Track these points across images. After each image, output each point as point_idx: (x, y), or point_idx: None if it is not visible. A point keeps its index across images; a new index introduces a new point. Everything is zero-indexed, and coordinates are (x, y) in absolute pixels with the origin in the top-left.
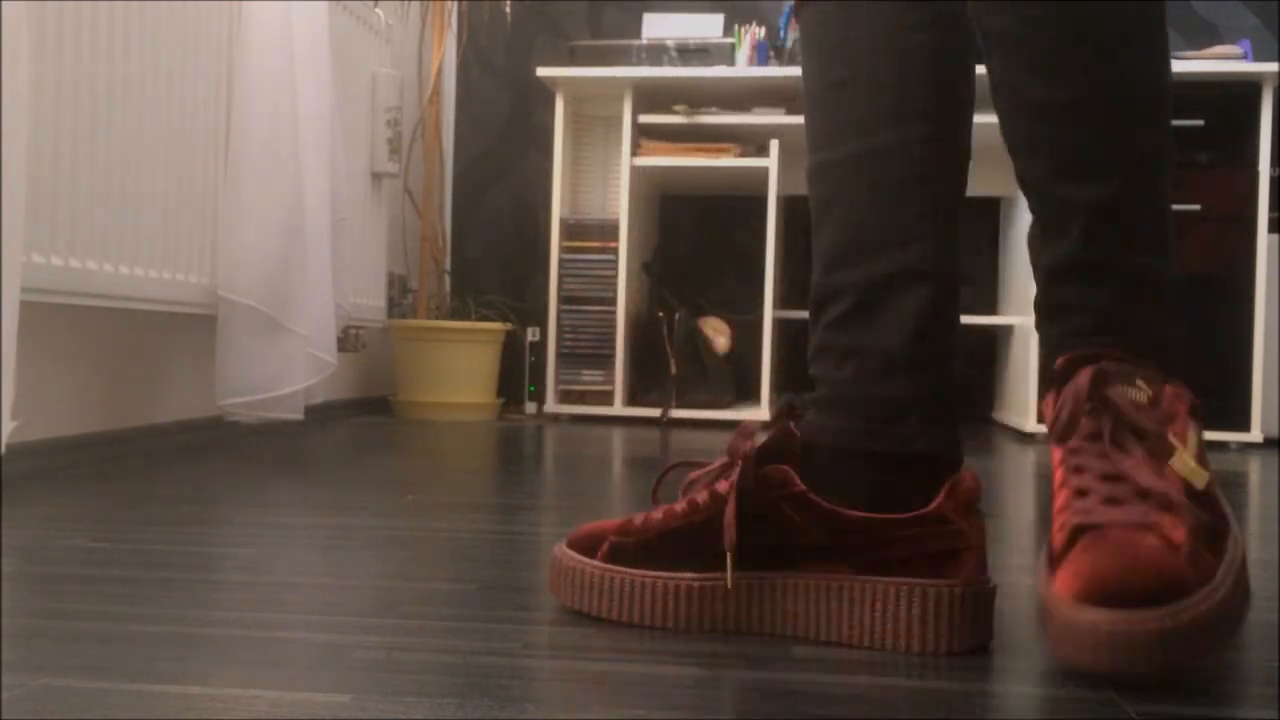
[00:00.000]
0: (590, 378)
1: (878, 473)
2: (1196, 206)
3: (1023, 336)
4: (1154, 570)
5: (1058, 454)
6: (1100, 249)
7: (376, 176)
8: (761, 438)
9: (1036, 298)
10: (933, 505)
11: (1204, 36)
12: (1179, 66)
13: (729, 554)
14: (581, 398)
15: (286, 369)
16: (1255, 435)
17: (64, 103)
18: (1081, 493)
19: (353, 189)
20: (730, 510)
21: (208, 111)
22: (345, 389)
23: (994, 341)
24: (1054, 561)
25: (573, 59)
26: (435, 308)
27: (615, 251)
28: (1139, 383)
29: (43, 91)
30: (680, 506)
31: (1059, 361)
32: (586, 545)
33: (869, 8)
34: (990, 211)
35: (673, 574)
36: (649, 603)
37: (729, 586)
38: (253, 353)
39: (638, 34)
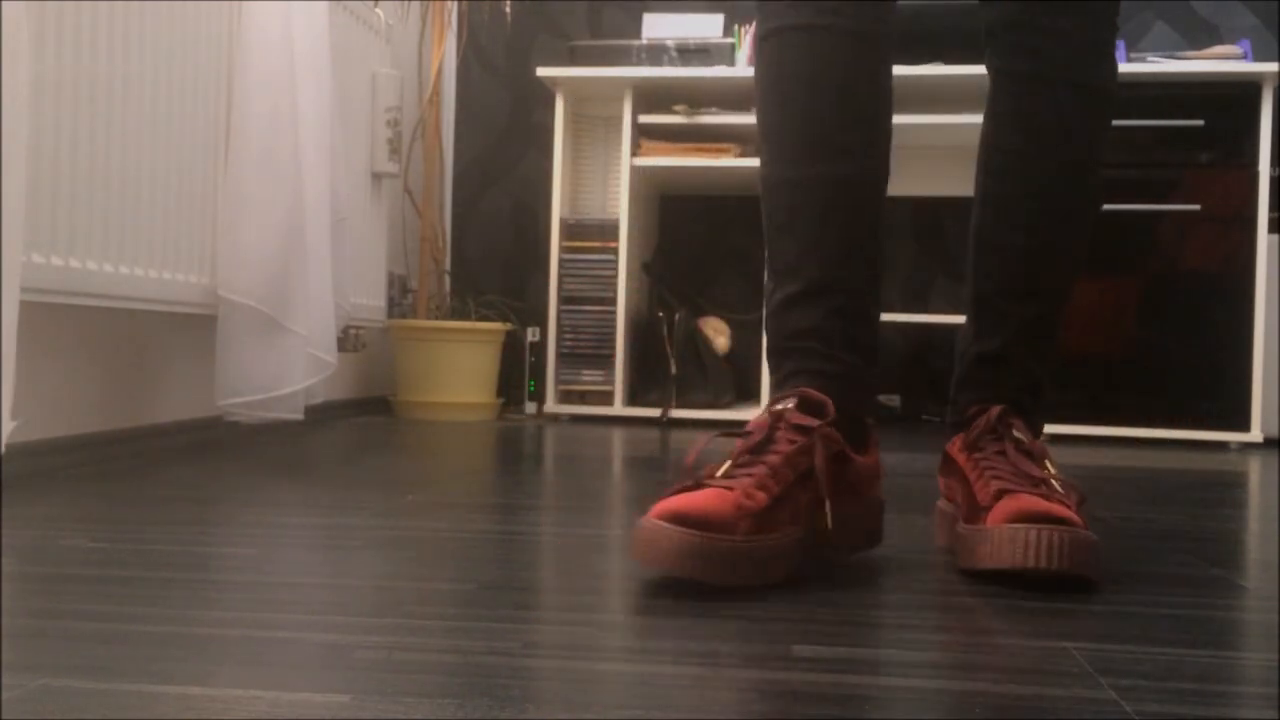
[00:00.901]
0: (590, 378)
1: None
2: (1196, 206)
3: None
4: (1056, 511)
5: (964, 458)
6: (1017, 349)
7: (376, 176)
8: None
9: (957, 374)
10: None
11: (1204, 36)
12: (1179, 67)
13: (829, 501)
14: (581, 398)
15: (286, 369)
16: (1255, 435)
17: (64, 103)
18: (998, 477)
19: (353, 189)
20: (821, 463)
21: (208, 111)
22: (345, 389)
23: None
24: (981, 510)
25: (573, 59)
26: (435, 308)
27: (615, 251)
28: (1020, 426)
29: (43, 91)
30: (768, 477)
31: (971, 410)
32: (707, 524)
33: (844, 50)
34: None
35: (787, 532)
36: (782, 563)
37: (829, 526)
38: (253, 353)
39: (638, 34)
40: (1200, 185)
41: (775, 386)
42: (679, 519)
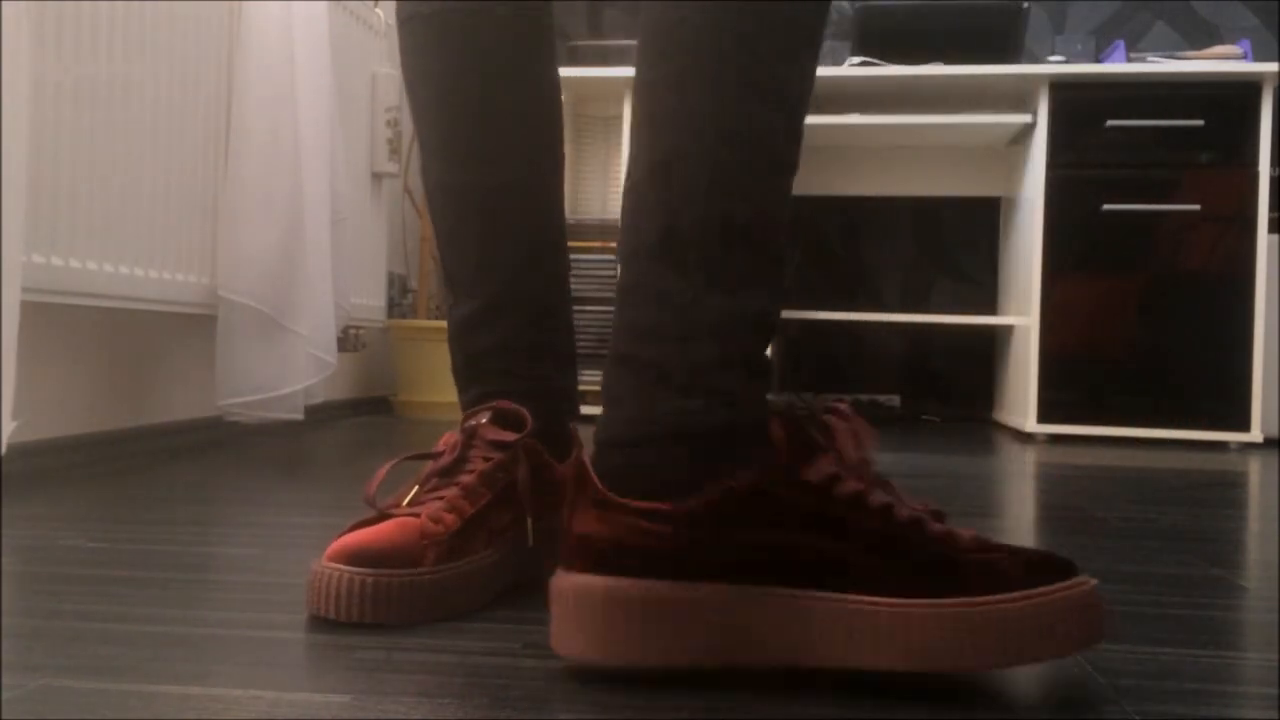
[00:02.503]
0: (590, 378)
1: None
2: (1196, 206)
3: (1022, 336)
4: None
5: None
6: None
7: (376, 176)
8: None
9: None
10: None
11: (1204, 36)
12: (1179, 67)
13: (531, 519)
14: (582, 398)
15: (286, 369)
16: (1255, 435)
17: (64, 103)
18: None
19: (353, 189)
20: (525, 478)
21: (208, 111)
22: (345, 389)
23: (994, 341)
24: None
25: (573, 59)
26: (435, 308)
27: (615, 252)
28: None
29: (43, 91)
30: (461, 499)
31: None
32: (387, 559)
33: (488, 42)
34: (990, 211)
35: (483, 556)
36: (479, 590)
37: (532, 543)
38: (253, 353)
39: (638, 34)
40: (1200, 185)
41: (465, 407)
42: (354, 558)
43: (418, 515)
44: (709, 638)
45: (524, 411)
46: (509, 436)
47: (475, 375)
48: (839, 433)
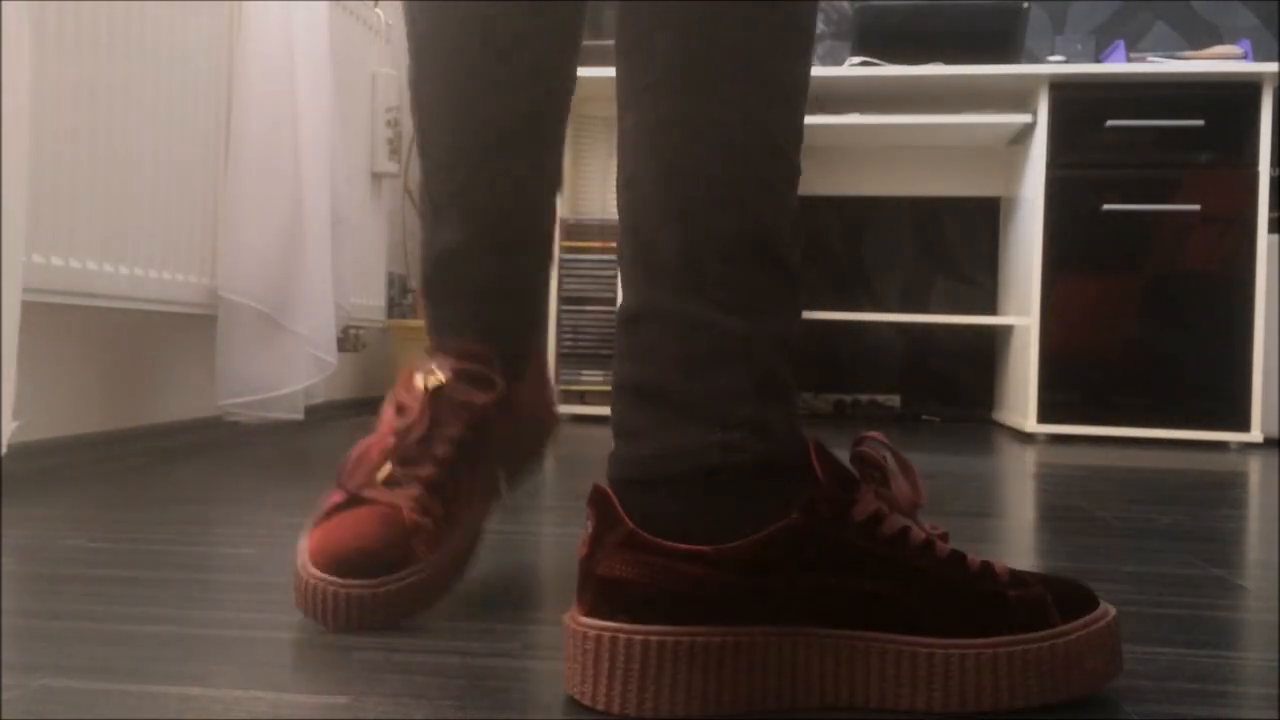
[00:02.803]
0: (590, 378)
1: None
2: (1196, 206)
3: (1022, 336)
4: None
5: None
6: None
7: (376, 176)
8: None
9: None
10: None
11: (1204, 36)
12: (1179, 67)
13: (503, 480)
14: (582, 398)
15: (286, 369)
16: (1255, 435)
17: (64, 103)
18: None
19: (353, 189)
20: (503, 441)
21: (208, 111)
22: (345, 389)
23: (994, 341)
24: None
25: None
26: None
27: (617, 257)
28: None
29: (43, 91)
30: (441, 473)
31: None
32: (379, 563)
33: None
34: (990, 211)
35: (467, 526)
36: (466, 558)
37: (507, 505)
38: (253, 353)
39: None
40: (1200, 185)
41: (431, 329)
42: (344, 566)
43: (398, 506)
44: (750, 684)
45: (489, 372)
46: (479, 398)
47: (447, 302)
48: (886, 466)
